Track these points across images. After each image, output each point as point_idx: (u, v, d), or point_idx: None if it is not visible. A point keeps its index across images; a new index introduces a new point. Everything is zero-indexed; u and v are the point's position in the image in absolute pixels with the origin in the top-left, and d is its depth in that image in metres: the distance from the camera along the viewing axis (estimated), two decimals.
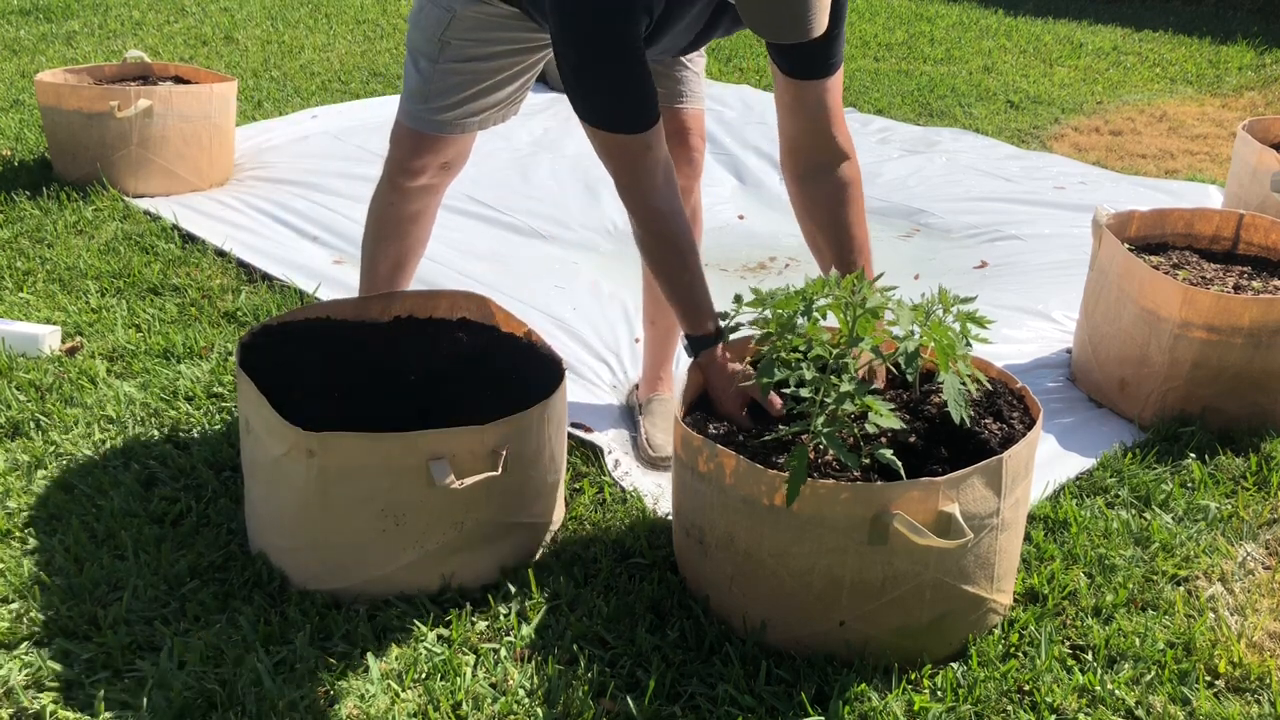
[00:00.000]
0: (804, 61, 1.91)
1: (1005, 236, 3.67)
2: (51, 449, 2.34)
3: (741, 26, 1.97)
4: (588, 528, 2.14)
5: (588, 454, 2.39)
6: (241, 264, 3.32)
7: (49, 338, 2.78)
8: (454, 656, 1.80)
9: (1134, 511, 2.22)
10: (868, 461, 1.78)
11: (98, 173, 3.77)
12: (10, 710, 1.71)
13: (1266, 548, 2.15)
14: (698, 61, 2.26)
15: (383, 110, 4.70)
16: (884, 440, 1.82)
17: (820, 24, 1.65)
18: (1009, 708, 1.74)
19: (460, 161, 2.31)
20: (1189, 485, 2.31)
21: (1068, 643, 1.88)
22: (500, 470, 1.88)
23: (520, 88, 2.22)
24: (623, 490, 2.27)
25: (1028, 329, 3.01)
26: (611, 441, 2.45)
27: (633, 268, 2.58)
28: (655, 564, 2.02)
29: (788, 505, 1.66)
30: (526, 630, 1.87)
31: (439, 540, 1.90)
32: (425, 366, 2.28)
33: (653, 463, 2.37)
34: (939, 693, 1.75)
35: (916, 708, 1.71)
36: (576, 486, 2.27)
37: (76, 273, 3.21)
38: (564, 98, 2.58)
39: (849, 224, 1.97)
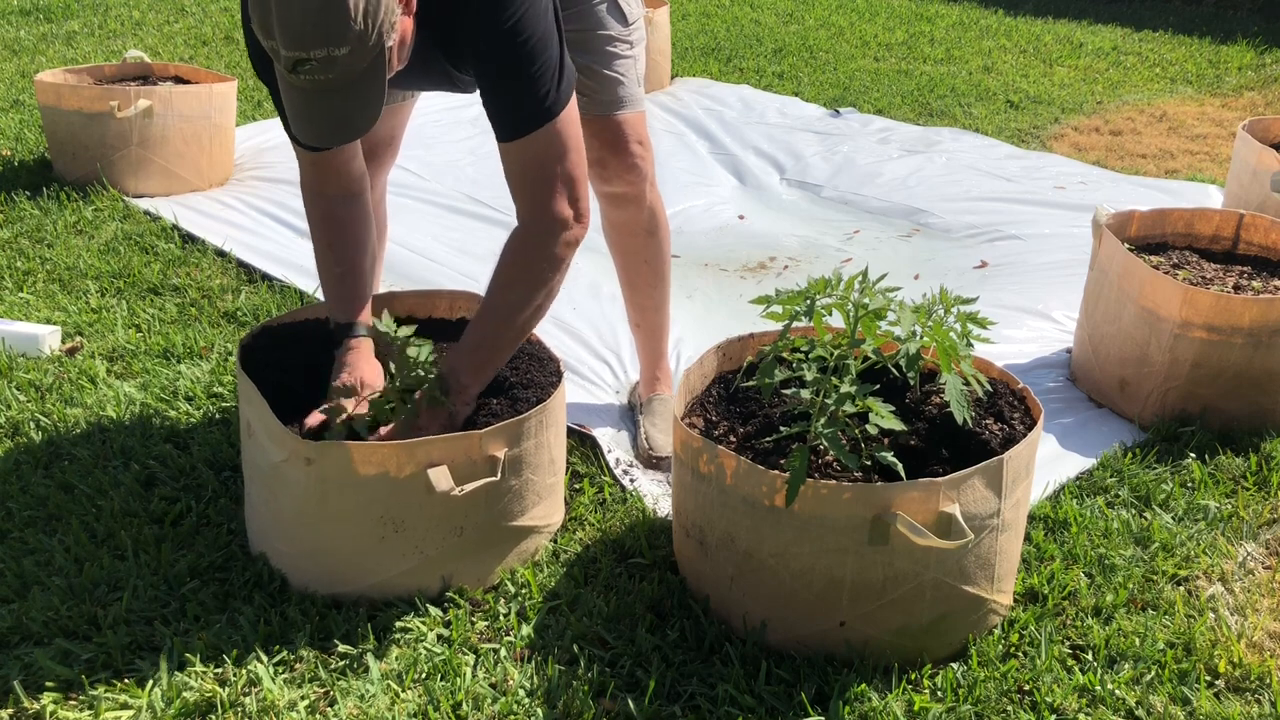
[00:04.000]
0: (492, 120, 1.94)
1: (1005, 236, 3.67)
2: (51, 449, 2.34)
3: (463, 89, 2.06)
4: (588, 528, 2.14)
5: (588, 454, 2.39)
6: (241, 264, 3.32)
7: (49, 338, 2.78)
8: (454, 657, 1.80)
9: (1134, 511, 2.22)
10: (868, 462, 1.78)
11: (98, 173, 3.78)
12: (10, 710, 1.70)
13: (1266, 548, 2.15)
14: (619, 64, 2.20)
15: None
16: (884, 441, 1.82)
17: (351, 131, 1.75)
18: (1009, 708, 1.74)
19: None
20: (1189, 485, 2.31)
21: (1068, 643, 1.88)
22: (499, 475, 1.88)
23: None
24: (623, 490, 2.27)
25: (1028, 329, 3.01)
26: (612, 441, 2.45)
27: None
28: (655, 564, 2.02)
29: (787, 506, 1.67)
30: (526, 630, 1.87)
31: (439, 546, 1.90)
32: None
33: (652, 463, 2.37)
34: (939, 693, 1.75)
35: (916, 708, 1.71)
36: (576, 486, 2.27)
37: (76, 273, 3.21)
38: None
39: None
